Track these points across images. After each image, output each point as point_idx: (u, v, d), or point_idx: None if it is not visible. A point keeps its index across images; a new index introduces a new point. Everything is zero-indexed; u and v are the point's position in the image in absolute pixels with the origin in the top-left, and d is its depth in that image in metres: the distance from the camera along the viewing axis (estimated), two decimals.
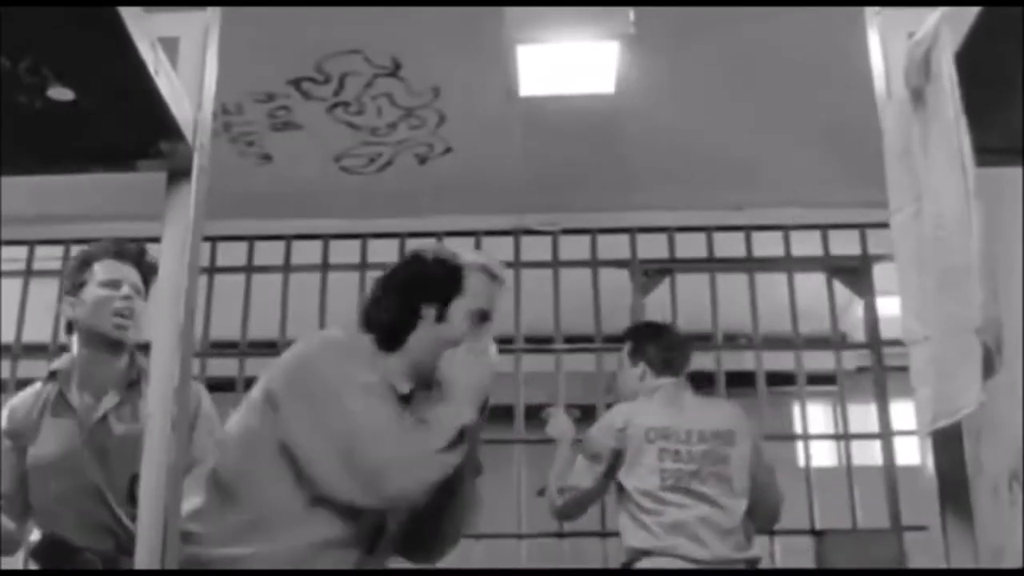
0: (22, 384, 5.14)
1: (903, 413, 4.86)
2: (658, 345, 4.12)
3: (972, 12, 1.50)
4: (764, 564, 4.68)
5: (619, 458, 3.92)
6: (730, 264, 5.24)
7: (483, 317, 2.72)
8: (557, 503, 4.07)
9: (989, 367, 1.39)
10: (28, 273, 5.36)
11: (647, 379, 4.07)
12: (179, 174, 1.74)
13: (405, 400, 2.61)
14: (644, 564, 3.77)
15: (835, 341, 5.24)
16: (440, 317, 2.65)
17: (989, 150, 1.52)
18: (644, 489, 3.83)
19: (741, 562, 3.75)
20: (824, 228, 5.23)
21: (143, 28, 1.53)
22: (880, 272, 5.09)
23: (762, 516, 4.05)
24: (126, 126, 1.70)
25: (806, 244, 5.24)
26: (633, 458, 3.89)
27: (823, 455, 5.88)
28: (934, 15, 1.60)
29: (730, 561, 3.72)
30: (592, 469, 4.00)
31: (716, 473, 3.82)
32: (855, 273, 5.20)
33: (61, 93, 1.61)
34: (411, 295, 2.65)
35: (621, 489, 3.91)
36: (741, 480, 3.85)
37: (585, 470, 4.02)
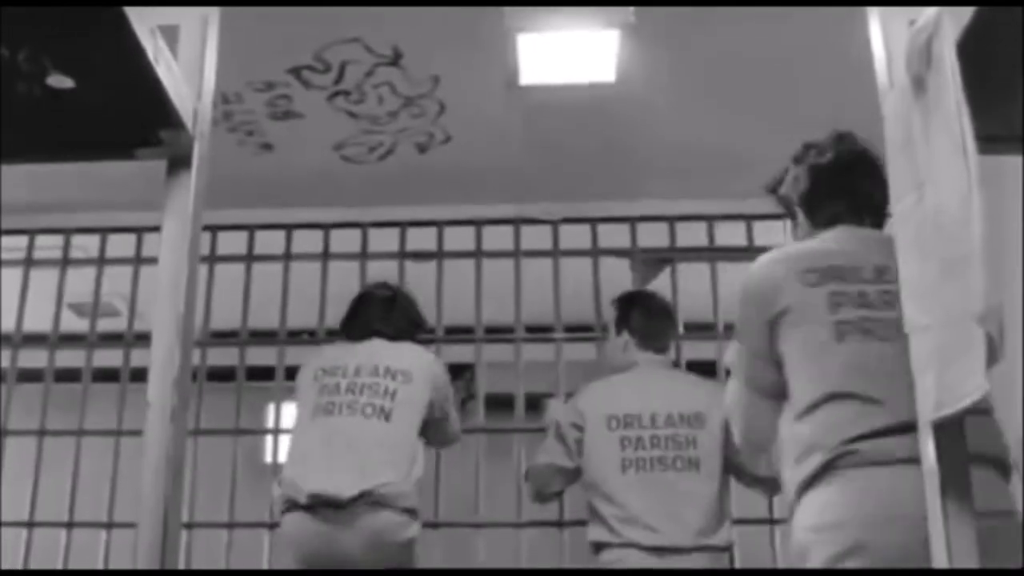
0: (23, 374, 5.20)
1: None
2: (642, 313, 4.13)
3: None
4: (764, 553, 4.70)
5: (583, 436, 3.94)
6: (731, 253, 5.22)
7: None
8: (531, 482, 4.14)
9: (991, 356, 1.39)
10: (28, 262, 5.35)
11: (629, 350, 4.08)
12: (179, 162, 1.74)
13: None
14: (604, 557, 3.78)
15: None
16: None
17: (989, 138, 1.52)
18: (603, 479, 3.84)
19: (706, 548, 3.73)
20: None
21: (143, 16, 1.53)
22: None
23: (753, 486, 4.07)
24: (126, 114, 1.70)
25: None
26: (593, 446, 3.90)
27: None
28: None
29: (694, 548, 3.71)
30: (557, 447, 4.02)
31: (683, 457, 3.81)
32: None
33: (61, 81, 1.61)
34: None
35: (584, 477, 3.93)
36: (711, 462, 3.84)
37: (551, 447, 4.05)
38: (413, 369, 4.07)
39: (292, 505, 3.85)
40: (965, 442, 1.61)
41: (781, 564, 4.73)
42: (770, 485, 4.10)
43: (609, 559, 3.76)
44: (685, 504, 3.76)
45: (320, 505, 3.79)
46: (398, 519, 3.82)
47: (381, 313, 4.27)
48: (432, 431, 4.12)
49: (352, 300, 4.38)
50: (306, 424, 4.01)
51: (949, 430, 1.60)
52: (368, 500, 3.78)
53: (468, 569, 4.59)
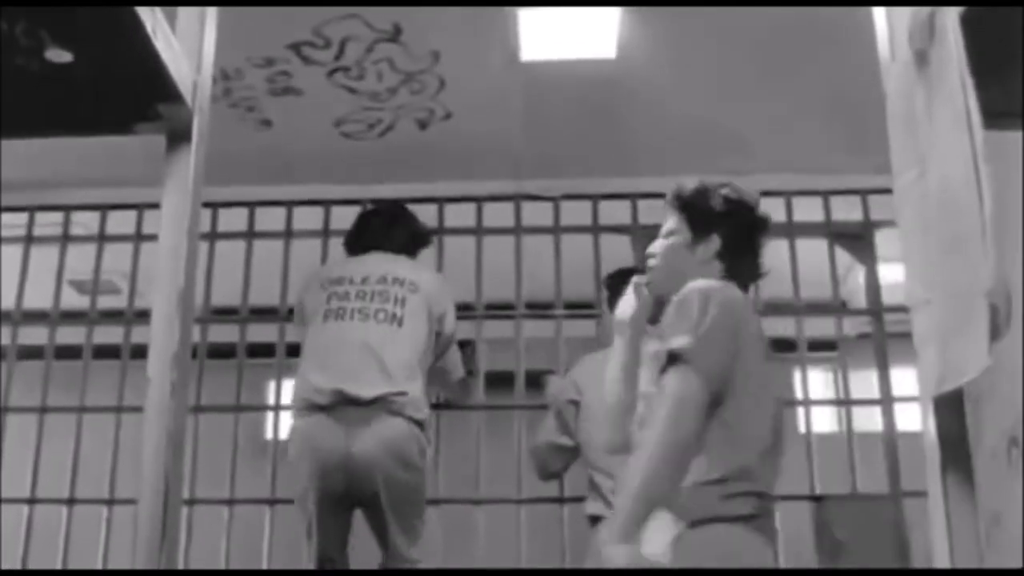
0: (24, 351, 5.20)
1: (903, 379, 4.86)
2: None
3: None
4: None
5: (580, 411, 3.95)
6: None
7: None
8: (533, 460, 4.15)
9: (995, 331, 1.38)
10: (28, 239, 5.35)
11: None
12: (178, 137, 1.73)
13: None
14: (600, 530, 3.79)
15: (836, 307, 5.23)
16: None
17: (990, 113, 1.51)
18: (599, 450, 3.84)
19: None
20: (826, 194, 5.21)
21: None
22: (882, 238, 5.08)
23: None
24: (124, 88, 1.69)
25: (808, 210, 5.22)
26: (588, 418, 3.91)
27: (823, 421, 5.88)
28: None
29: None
30: (554, 425, 4.03)
31: None
32: (857, 239, 5.18)
33: (58, 55, 1.60)
34: None
35: (580, 450, 3.94)
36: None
37: (549, 426, 4.06)
38: (419, 281, 4.16)
39: (309, 406, 3.91)
40: (964, 416, 1.61)
41: (781, 542, 4.74)
42: None
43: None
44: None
45: (341, 404, 3.85)
46: (412, 431, 3.89)
47: (384, 228, 4.32)
48: (435, 368, 4.17)
49: (356, 217, 4.49)
50: (318, 329, 4.06)
51: (950, 405, 1.60)
52: (386, 405, 3.84)
53: (469, 569, 4.58)
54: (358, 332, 3.98)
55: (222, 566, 4.84)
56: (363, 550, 4.09)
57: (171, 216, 1.69)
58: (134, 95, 1.70)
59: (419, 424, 3.91)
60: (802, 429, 5.05)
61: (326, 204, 5.30)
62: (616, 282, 4.22)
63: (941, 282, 1.51)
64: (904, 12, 1.70)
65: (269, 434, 5.39)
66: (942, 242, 1.51)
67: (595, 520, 3.81)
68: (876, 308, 5.13)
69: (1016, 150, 2.21)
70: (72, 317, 5.36)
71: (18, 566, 4.79)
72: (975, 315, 1.41)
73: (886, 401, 5.00)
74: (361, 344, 3.94)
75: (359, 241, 4.37)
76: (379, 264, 4.19)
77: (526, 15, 4.05)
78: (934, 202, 1.54)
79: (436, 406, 4.94)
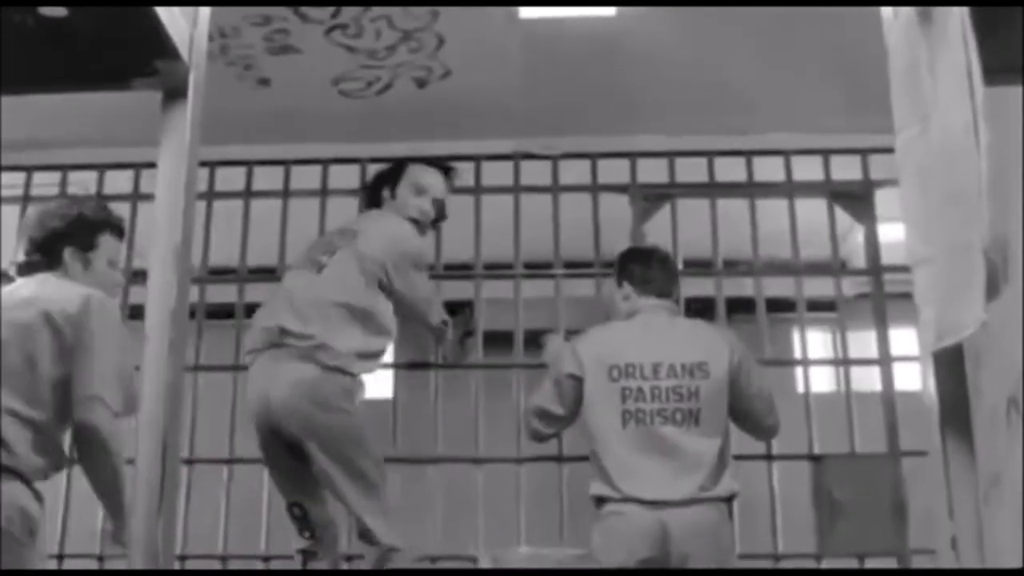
0: None
1: (902, 340, 4.87)
2: (640, 263, 4.13)
3: None
4: (762, 490, 4.73)
5: (581, 386, 3.94)
6: (731, 189, 5.21)
7: None
8: (526, 423, 4.17)
9: (993, 287, 1.38)
10: (26, 199, 5.33)
11: (632, 299, 4.07)
12: (175, 93, 1.72)
13: None
14: (605, 511, 3.79)
15: (835, 267, 5.23)
16: None
17: (991, 69, 1.50)
18: (605, 431, 3.84)
19: (706, 500, 3.75)
20: (826, 153, 5.20)
21: None
22: (882, 198, 5.07)
23: (753, 434, 4.10)
24: (120, 44, 1.68)
25: (807, 169, 5.21)
26: (594, 396, 3.89)
27: (822, 381, 5.89)
28: None
29: (694, 500, 3.72)
30: (550, 391, 4.03)
31: (683, 409, 3.80)
32: (856, 199, 5.17)
33: (54, 11, 1.59)
34: None
35: (585, 428, 3.93)
36: (712, 413, 3.84)
37: (545, 390, 4.06)
38: (363, 229, 4.21)
39: (252, 349, 4.07)
40: (964, 375, 1.61)
41: (779, 502, 4.77)
42: (771, 433, 4.14)
43: (609, 512, 3.77)
44: (685, 460, 3.76)
45: (266, 346, 3.99)
46: (319, 374, 3.88)
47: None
48: (395, 301, 4.18)
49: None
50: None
51: (950, 365, 1.60)
52: (293, 349, 3.92)
53: (469, 570, 4.59)
54: (292, 282, 4.21)
55: (221, 526, 4.86)
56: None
57: (168, 171, 1.69)
58: (130, 50, 1.69)
59: (336, 370, 3.92)
60: (800, 389, 5.06)
61: (324, 163, 5.29)
62: (623, 259, 4.22)
63: (941, 237, 1.51)
64: None
65: None
66: (942, 197, 1.50)
67: (601, 501, 3.81)
68: (875, 268, 5.13)
69: (1016, 106, 2.20)
70: None
71: None
72: (973, 271, 1.40)
73: (885, 361, 5.00)
74: (288, 293, 4.10)
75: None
76: (353, 221, 4.39)
77: None
78: (935, 157, 1.53)
79: (434, 366, 4.95)
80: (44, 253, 3.34)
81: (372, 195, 4.48)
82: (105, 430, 3.06)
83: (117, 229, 3.53)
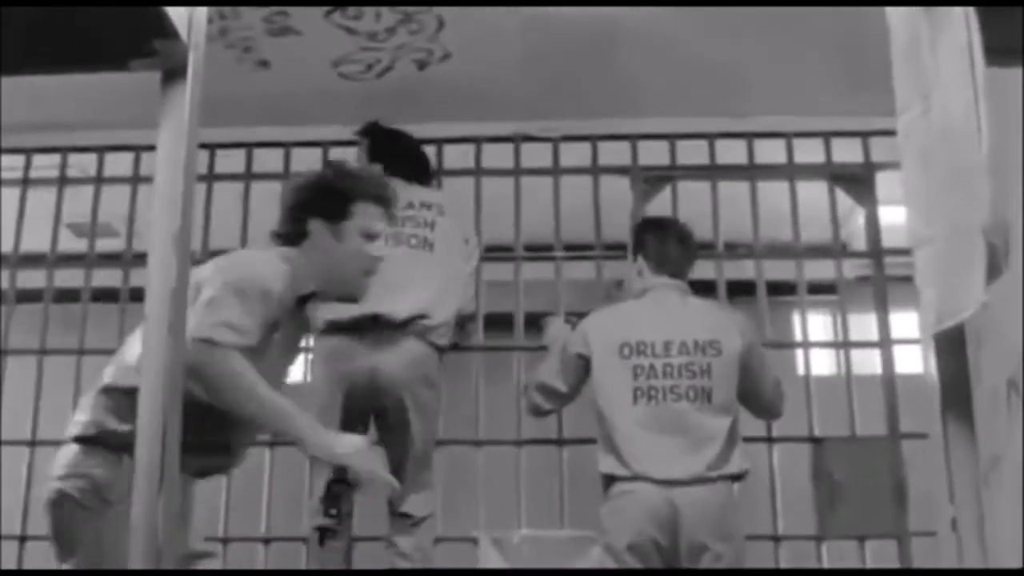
0: (22, 294, 5.20)
1: (903, 322, 4.87)
2: (656, 238, 4.11)
3: None
4: (762, 472, 4.73)
5: (587, 365, 3.94)
6: (731, 171, 5.20)
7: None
8: (527, 397, 4.17)
9: (995, 269, 1.38)
10: (26, 182, 5.33)
11: (645, 276, 4.06)
12: (174, 74, 1.72)
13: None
14: (615, 490, 3.79)
15: (836, 250, 5.22)
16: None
17: (992, 50, 1.49)
18: (615, 408, 3.83)
19: (717, 479, 3.75)
20: (827, 135, 5.19)
21: None
22: (882, 180, 5.06)
23: (759, 414, 4.11)
24: (119, 24, 1.67)
25: (808, 151, 5.20)
26: (604, 375, 3.89)
27: (823, 364, 5.89)
28: None
29: (705, 479, 3.72)
30: (554, 367, 4.04)
31: (695, 387, 3.80)
32: (857, 181, 5.16)
33: None
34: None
35: (595, 407, 3.92)
36: (723, 391, 3.84)
37: (549, 366, 4.06)
38: (444, 202, 4.35)
39: (332, 327, 4.04)
40: (965, 357, 1.61)
41: (780, 484, 4.77)
42: (776, 414, 4.15)
43: (619, 491, 3.77)
44: (696, 436, 3.76)
45: (369, 327, 4.01)
46: (431, 353, 4.10)
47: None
48: None
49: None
50: None
51: (951, 347, 1.60)
52: (413, 328, 4.03)
53: (469, 569, 4.58)
54: (392, 257, 4.19)
55: (222, 507, 4.86)
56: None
57: (167, 152, 1.68)
58: (129, 31, 1.68)
59: (439, 348, 4.16)
60: (801, 371, 5.06)
61: (324, 145, 5.27)
62: (641, 230, 4.21)
63: (942, 218, 1.51)
64: None
65: None
66: (944, 178, 1.50)
67: (610, 480, 3.81)
68: (876, 251, 5.12)
69: (1016, 88, 2.19)
70: (70, 260, 5.35)
71: (20, 508, 4.81)
72: (974, 252, 1.40)
73: (885, 344, 5.00)
74: (394, 269, 3.92)
75: None
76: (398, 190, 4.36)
77: None
78: (937, 137, 1.52)
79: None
80: (291, 223, 3.14)
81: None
82: (211, 368, 2.74)
83: (375, 196, 3.18)
